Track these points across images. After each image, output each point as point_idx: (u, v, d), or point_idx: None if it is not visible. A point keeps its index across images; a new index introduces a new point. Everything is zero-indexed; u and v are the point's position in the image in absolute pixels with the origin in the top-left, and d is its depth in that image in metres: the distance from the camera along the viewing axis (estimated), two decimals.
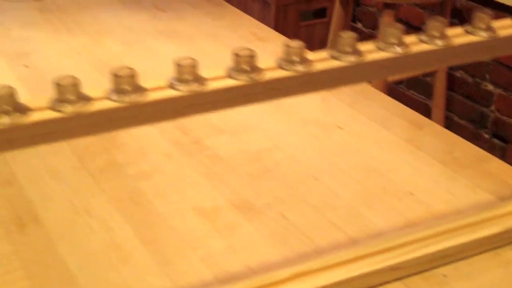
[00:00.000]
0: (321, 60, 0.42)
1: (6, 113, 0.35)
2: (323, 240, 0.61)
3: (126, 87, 0.37)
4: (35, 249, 0.59)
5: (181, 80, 0.38)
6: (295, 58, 0.40)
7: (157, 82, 0.39)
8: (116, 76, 0.37)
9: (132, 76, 0.37)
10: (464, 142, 0.76)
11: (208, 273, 0.57)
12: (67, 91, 0.36)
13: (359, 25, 2.26)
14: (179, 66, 0.38)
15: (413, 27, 2.07)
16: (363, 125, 0.80)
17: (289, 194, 0.67)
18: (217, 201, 0.66)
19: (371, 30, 2.20)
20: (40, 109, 0.36)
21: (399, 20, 1.91)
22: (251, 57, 0.39)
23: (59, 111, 0.36)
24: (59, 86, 0.36)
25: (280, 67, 0.41)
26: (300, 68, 0.40)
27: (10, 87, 0.35)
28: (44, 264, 0.58)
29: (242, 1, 2.20)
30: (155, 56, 0.97)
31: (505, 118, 1.62)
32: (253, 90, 0.39)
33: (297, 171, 0.71)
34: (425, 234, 0.58)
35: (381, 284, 0.55)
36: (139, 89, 0.38)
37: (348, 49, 0.42)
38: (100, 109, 0.37)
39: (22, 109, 0.36)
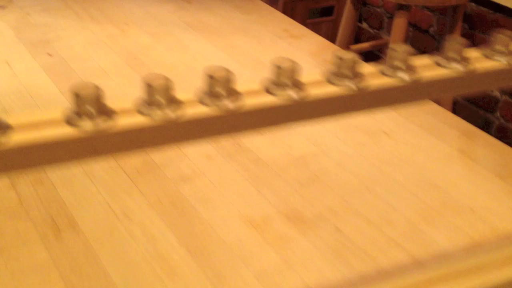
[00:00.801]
0: (426, 66, 0.37)
1: (89, 116, 0.30)
2: (384, 258, 0.57)
3: (220, 90, 0.32)
4: (73, 257, 0.54)
5: (278, 84, 0.33)
6: (399, 64, 0.36)
7: (252, 85, 0.34)
8: (211, 78, 0.32)
9: (228, 79, 0.32)
10: None
11: None
12: (158, 93, 0.31)
13: (364, 25, 2.22)
14: (278, 68, 0.33)
15: (421, 30, 2.04)
16: (411, 132, 0.76)
17: (341, 205, 0.63)
18: (266, 209, 0.62)
19: (376, 31, 2.16)
20: (127, 112, 0.31)
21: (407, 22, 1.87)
22: (354, 62, 0.34)
23: (148, 115, 0.31)
24: (149, 87, 0.31)
25: (383, 73, 0.36)
26: (404, 76, 0.36)
27: (96, 87, 0.30)
28: (84, 274, 0.53)
29: None
30: (184, 49, 0.92)
31: (509, 124, 1.59)
32: (357, 99, 0.35)
33: (347, 180, 0.67)
34: (497, 256, 0.54)
35: None
36: (234, 93, 0.33)
37: (455, 55, 0.37)
38: (193, 116, 0.32)
39: (107, 112, 0.31)
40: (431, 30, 2.01)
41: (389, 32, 2.12)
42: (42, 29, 0.95)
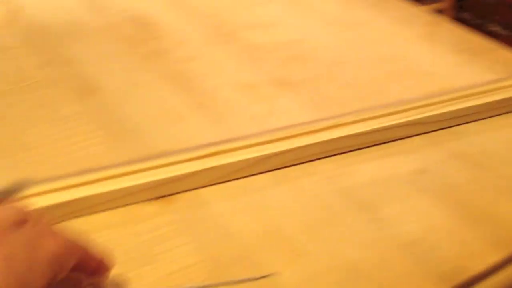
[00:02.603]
0: None
1: None
2: (352, 107, 0.68)
3: None
4: (101, 111, 0.66)
5: None
6: None
7: None
8: None
9: None
10: (478, 36, 0.83)
11: (255, 128, 0.64)
12: None
13: None
14: None
15: None
16: (384, 23, 0.87)
17: (321, 74, 0.74)
18: (256, 78, 0.73)
19: None
20: None
21: None
22: None
23: None
24: None
25: None
26: None
27: None
28: (112, 120, 0.65)
29: None
30: None
31: None
32: None
33: (327, 57, 0.78)
34: (443, 97, 0.66)
35: (404, 137, 0.62)
36: None
37: None
38: None
39: None
40: None
41: None
42: None
